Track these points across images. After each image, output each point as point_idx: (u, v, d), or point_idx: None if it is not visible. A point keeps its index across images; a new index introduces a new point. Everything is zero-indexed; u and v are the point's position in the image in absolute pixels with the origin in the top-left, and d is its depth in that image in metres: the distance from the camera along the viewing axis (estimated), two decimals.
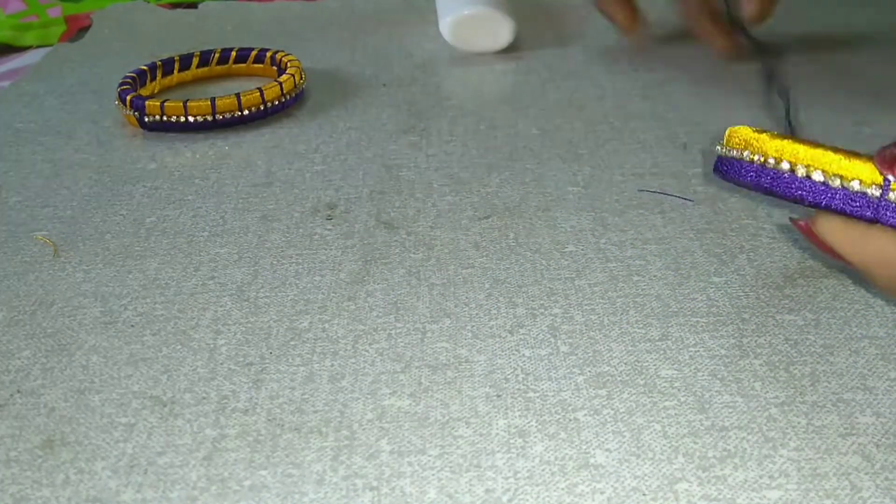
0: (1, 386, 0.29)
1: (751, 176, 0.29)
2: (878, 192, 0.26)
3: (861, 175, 0.26)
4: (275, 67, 0.53)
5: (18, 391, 0.29)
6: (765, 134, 0.29)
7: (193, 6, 0.68)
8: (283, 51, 0.53)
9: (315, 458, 0.26)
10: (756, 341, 0.29)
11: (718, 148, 0.30)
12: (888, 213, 0.26)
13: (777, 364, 0.28)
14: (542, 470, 0.25)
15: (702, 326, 0.30)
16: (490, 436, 0.26)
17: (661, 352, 0.29)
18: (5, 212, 0.40)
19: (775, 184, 0.28)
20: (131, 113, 0.47)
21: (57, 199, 0.41)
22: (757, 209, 0.37)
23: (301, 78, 0.50)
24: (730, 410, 0.26)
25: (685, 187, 0.39)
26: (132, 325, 0.32)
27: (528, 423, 0.26)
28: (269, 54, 0.53)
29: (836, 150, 0.27)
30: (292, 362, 0.29)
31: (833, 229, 0.27)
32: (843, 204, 0.27)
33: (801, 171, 0.27)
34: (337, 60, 0.56)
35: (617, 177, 0.40)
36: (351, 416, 0.27)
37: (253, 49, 0.53)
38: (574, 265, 0.34)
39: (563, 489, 0.24)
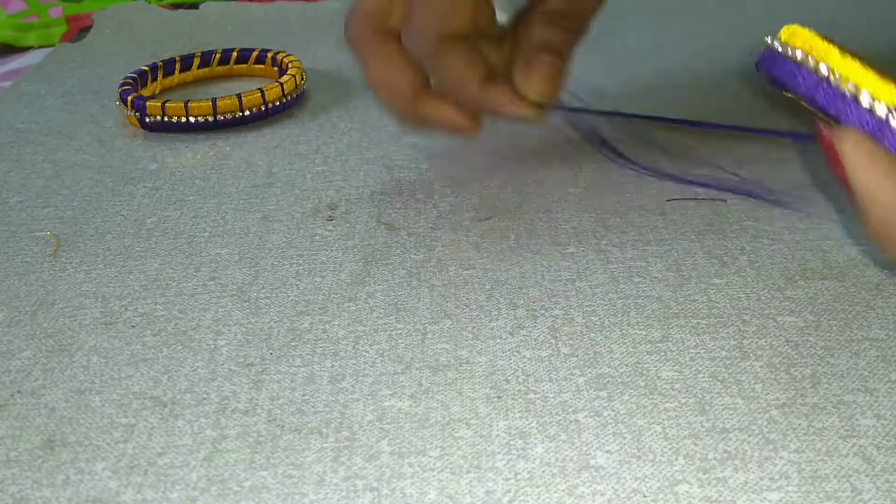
0: (1, 386, 0.29)
1: (799, 81, 0.27)
2: (883, 113, 0.25)
3: (877, 93, 0.25)
4: (276, 68, 0.53)
5: (19, 391, 0.29)
6: (818, 39, 0.27)
7: (194, 7, 0.68)
8: (284, 51, 0.53)
9: (315, 458, 0.26)
10: (757, 343, 0.29)
11: (770, 40, 0.29)
12: (888, 135, 0.25)
13: (778, 366, 0.28)
14: (543, 471, 0.25)
15: (702, 328, 0.30)
16: (490, 437, 0.26)
17: (662, 353, 0.29)
18: (6, 212, 0.40)
19: (813, 91, 0.27)
20: (132, 113, 0.47)
21: (58, 200, 0.41)
22: (758, 210, 0.37)
23: (302, 78, 0.50)
24: (730, 412, 0.26)
25: (686, 189, 0.39)
26: (133, 326, 0.32)
27: (529, 424, 0.26)
28: (270, 55, 0.53)
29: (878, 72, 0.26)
30: (293, 363, 0.29)
31: (857, 149, 0.25)
32: (851, 117, 0.26)
33: (834, 79, 0.26)
34: (338, 61, 0.56)
35: (618, 178, 0.40)
36: (351, 417, 0.27)
37: (254, 50, 0.54)
38: (575, 266, 0.34)
39: (563, 490, 0.24)
